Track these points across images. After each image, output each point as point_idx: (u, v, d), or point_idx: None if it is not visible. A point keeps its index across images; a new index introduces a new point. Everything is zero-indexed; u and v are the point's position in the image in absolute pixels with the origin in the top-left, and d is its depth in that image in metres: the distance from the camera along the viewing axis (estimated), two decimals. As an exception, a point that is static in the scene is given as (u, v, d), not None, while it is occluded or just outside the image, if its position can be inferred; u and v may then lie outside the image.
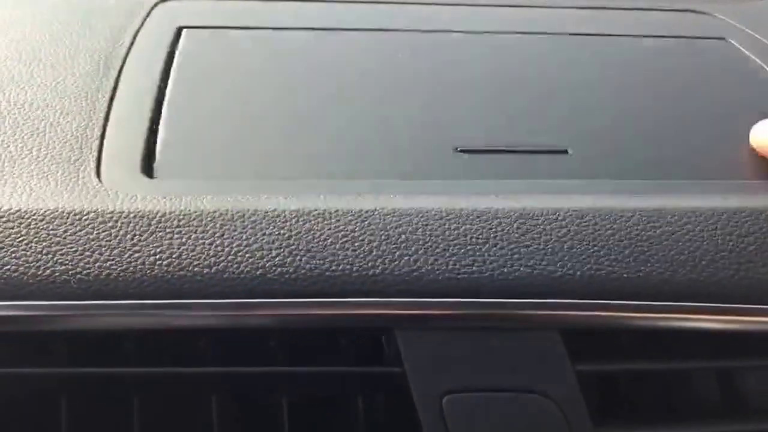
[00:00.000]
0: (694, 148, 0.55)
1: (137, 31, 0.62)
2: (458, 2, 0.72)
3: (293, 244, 0.44)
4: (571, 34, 0.68)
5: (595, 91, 0.60)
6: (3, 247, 0.43)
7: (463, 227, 0.46)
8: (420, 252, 0.44)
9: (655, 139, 0.55)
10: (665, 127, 0.57)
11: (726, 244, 0.47)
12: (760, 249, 0.47)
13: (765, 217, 0.48)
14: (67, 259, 0.43)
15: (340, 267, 0.44)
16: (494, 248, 0.45)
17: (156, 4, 0.68)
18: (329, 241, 0.44)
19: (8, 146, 0.49)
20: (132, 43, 0.60)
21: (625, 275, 0.45)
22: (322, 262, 0.44)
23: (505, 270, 0.45)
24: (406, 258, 0.44)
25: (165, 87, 0.56)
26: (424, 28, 0.66)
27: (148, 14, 0.66)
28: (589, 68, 0.63)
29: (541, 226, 0.46)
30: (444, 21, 0.68)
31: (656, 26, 0.71)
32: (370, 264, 0.44)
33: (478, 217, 0.46)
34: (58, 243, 0.43)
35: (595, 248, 0.46)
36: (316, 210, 0.46)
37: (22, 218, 0.44)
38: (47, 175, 0.47)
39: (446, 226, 0.46)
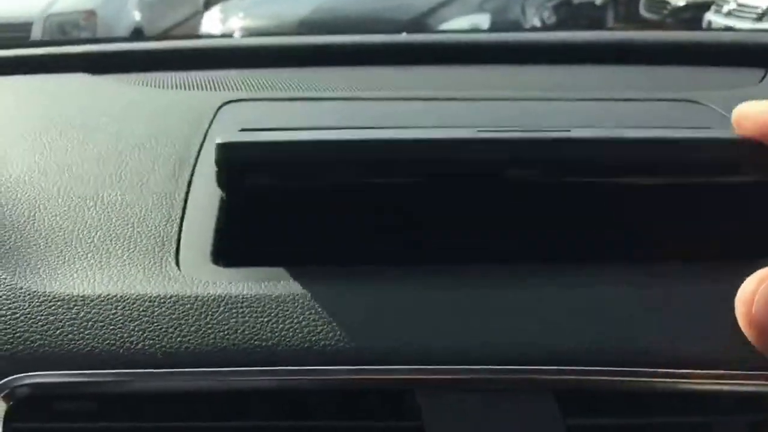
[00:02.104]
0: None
1: (206, 134, 0.72)
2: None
3: (334, 322, 0.53)
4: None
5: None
6: (104, 325, 0.52)
7: (470, 306, 0.54)
8: (434, 329, 0.53)
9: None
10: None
11: (692, 317, 0.54)
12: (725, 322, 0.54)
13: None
14: (153, 335, 0.52)
15: (372, 342, 0.52)
16: (499, 321, 0.54)
17: (221, 106, 0.77)
18: (363, 318, 0.53)
19: (104, 240, 0.59)
20: (201, 146, 0.70)
21: (610, 345, 0.53)
22: (358, 337, 0.52)
23: (507, 341, 0.53)
24: (423, 333, 0.53)
25: None
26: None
27: (214, 116, 0.76)
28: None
29: (539, 303, 0.55)
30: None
31: (647, 117, 0.79)
32: (397, 338, 0.53)
33: (483, 295, 0.55)
34: (147, 322, 0.52)
35: (585, 321, 0.54)
36: (349, 293, 0.55)
37: (119, 302, 0.53)
38: (136, 264, 0.57)
39: (454, 306, 0.54)
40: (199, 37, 1.09)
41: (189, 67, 0.96)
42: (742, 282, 0.43)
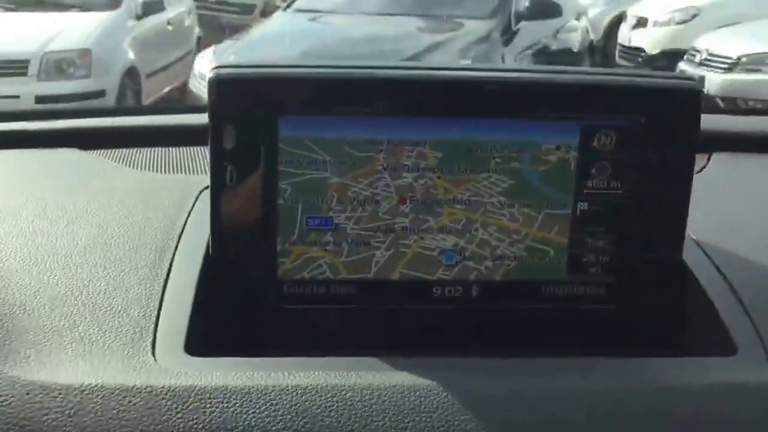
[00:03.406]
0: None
1: (185, 222, 0.77)
2: None
3: (288, 413, 0.58)
4: None
5: None
6: (85, 413, 0.57)
7: (419, 402, 0.59)
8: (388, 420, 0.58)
9: None
10: None
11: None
12: None
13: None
14: (130, 423, 0.57)
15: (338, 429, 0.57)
16: (441, 413, 0.59)
17: (202, 191, 0.83)
18: (325, 406, 0.58)
19: (88, 331, 0.64)
20: (180, 234, 0.75)
21: None
22: (318, 425, 0.57)
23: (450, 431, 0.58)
24: (375, 425, 0.58)
25: (205, 271, 0.71)
26: None
27: (195, 201, 0.81)
28: None
29: (481, 399, 0.60)
30: None
31: None
32: (352, 429, 0.58)
33: (429, 391, 0.60)
34: (124, 411, 0.57)
35: (512, 414, 0.59)
36: (317, 386, 0.59)
37: (99, 391, 0.58)
38: (116, 355, 0.62)
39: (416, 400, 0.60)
40: (189, 109, 1.14)
41: (176, 144, 1.01)
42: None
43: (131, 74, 5.70)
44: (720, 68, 6.30)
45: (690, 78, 0.76)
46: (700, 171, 0.99)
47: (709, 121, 1.22)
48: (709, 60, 6.42)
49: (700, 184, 0.94)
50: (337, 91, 0.69)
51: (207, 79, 0.68)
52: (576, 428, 0.59)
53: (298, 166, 0.69)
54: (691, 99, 0.72)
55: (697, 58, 6.55)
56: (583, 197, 0.72)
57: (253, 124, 0.68)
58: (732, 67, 6.26)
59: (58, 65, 5.42)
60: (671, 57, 7.14)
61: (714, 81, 6.25)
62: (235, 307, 0.70)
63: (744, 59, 6.24)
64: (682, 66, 6.70)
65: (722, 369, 0.65)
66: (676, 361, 0.67)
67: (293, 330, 0.71)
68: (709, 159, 1.02)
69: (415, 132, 0.70)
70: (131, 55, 5.78)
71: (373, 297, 0.72)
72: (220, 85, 0.67)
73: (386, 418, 0.58)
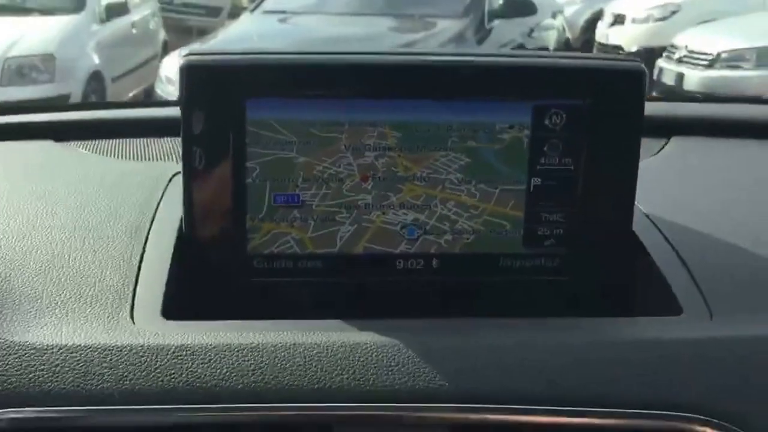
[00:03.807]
0: None
1: (158, 203, 0.84)
2: None
3: (266, 366, 0.65)
4: None
5: None
6: (69, 370, 0.64)
7: (384, 358, 0.67)
8: (351, 375, 0.65)
9: None
10: None
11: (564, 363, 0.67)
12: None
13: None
14: (111, 379, 0.63)
15: (296, 382, 0.64)
16: (403, 368, 0.66)
17: (174, 176, 0.89)
18: (290, 362, 0.65)
19: (70, 297, 0.70)
20: (154, 214, 0.82)
21: (487, 388, 0.65)
22: (285, 378, 0.64)
23: (409, 384, 0.65)
24: (339, 379, 0.65)
25: (179, 248, 0.77)
26: None
27: (167, 185, 0.88)
28: None
29: (437, 353, 0.67)
30: None
31: None
32: (316, 384, 0.65)
33: (389, 349, 0.67)
34: (105, 367, 0.64)
35: (472, 366, 0.66)
36: (286, 344, 0.66)
37: (82, 350, 0.65)
38: (97, 318, 0.69)
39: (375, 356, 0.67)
40: (159, 104, 1.22)
41: (147, 135, 1.07)
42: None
43: (96, 78, 5.75)
44: (699, 65, 6.44)
45: (635, 60, 0.83)
46: (657, 152, 1.07)
47: (668, 107, 1.31)
48: (689, 57, 6.55)
49: (656, 164, 1.02)
50: (300, 75, 0.76)
51: (179, 67, 0.75)
52: (529, 378, 0.66)
53: (266, 147, 0.76)
54: (636, 79, 0.79)
55: (676, 55, 6.68)
56: (537, 173, 0.79)
57: (223, 108, 0.74)
58: (711, 63, 6.39)
59: (20, 70, 5.46)
60: (650, 54, 7.27)
61: (693, 78, 6.38)
62: (207, 280, 0.77)
63: (723, 55, 6.38)
64: (661, 63, 6.83)
65: (669, 326, 0.73)
66: (625, 319, 0.75)
67: (263, 302, 0.77)
68: (667, 142, 1.10)
69: (375, 114, 0.77)
70: (96, 59, 5.82)
71: (339, 270, 0.79)
72: (191, 71, 0.74)
73: (350, 374, 0.65)
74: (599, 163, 0.79)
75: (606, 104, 0.78)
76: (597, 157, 0.79)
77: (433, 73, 0.78)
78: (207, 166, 0.75)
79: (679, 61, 6.61)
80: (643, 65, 0.80)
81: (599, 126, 0.78)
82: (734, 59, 6.38)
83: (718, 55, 6.36)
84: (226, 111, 0.75)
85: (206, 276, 0.77)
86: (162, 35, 7.42)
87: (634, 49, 7.99)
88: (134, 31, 6.69)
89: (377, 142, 0.77)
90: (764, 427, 0.65)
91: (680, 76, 6.49)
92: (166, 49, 7.08)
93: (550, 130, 0.78)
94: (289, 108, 0.76)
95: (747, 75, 6.27)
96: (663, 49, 7.06)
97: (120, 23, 6.40)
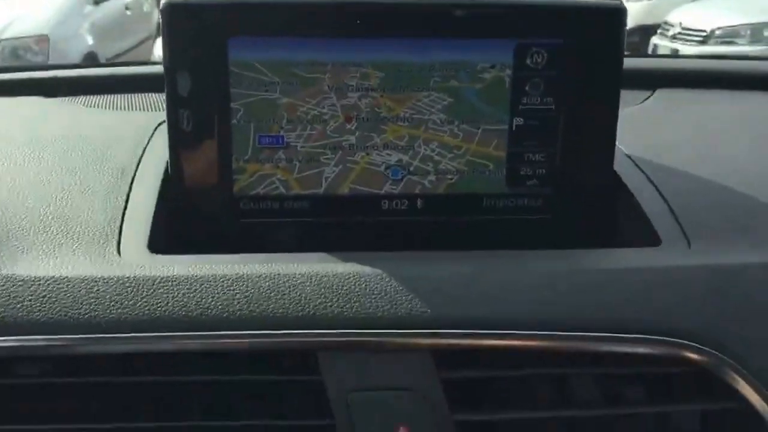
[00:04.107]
0: None
1: (144, 148, 0.84)
2: None
3: (251, 295, 0.66)
4: None
5: None
6: (56, 300, 0.64)
7: (368, 287, 0.68)
8: (335, 303, 0.66)
9: None
10: None
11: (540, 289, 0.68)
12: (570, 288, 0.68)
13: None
14: (100, 307, 0.64)
15: (280, 310, 0.65)
16: (386, 296, 0.67)
17: (160, 124, 0.90)
18: (273, 291, 0.66)
19: (57, 234, 0.71)
20: (140, 158, 0.82)
21: (470, 314, 0.66)
22: (269, 307, 0.65)
23: (392, 311, 0.66)
24: (323, 307, 0.66)
25: (165, 189, 0.78)
26: None
27: (152, 133, 0.88)
28: None
29: (420, 281, 0.68)
30: None
31: None
32: (300, 311, 0.66)
33: (372, 278, 0.68)
34: (92, 297, 0.65)
35: (454, 293, 0.67)
36: (271, 274, 0.67)
37: (68, 282, 0.66)
38: (83, 252, 0.69)
39: (358, 285, 0.68)
40: (143, 63, 1.23)
41: (136, 91, 1.08)
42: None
43: (90, 59, 5.73)
44: (694, 41, 6.42)
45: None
46: (642, 102, 1.08)
47: (654, 62, 1.32)
48: (683, 33, 6.54)
49: (640, 112, 1.03)
50: (283, 14, 0.77)
51: (160, 7, 0.75)
52: (511, 304, 0.67)
53: (249, 88, 0.77)
54: (616, 18, 0.80)
55: (671, 32, 6.67)
56: (519, 113, 0.80)
57: (205, 48, 0.75)
58: (706, 39, 6.38)
59: (15, 52, 5.44)
60: (644, 31, 7.25)
61: (688, 54, 6.36)
62: (194, 221, 0.78)
63: (717, 32, 6.36)
64: (655, 40, 6.82)
65: (648, 256, 0.74)
66: (605, 250, 0.76)
67: (250, 243, 0.78)
68: (652, 94, 1.11)
69: (357, 54, 0.78)
70: (90, 40, 5.81)
71: (325, 211, 0.80)
72: (172, 10, 0.75)
73: (334, 302, 0.66)
74: (581, 102, 0.80)
75: (587, 43, 0.78)
76: (578, 96, 0.80)
77: (415, 12, 0.78)
78: (191, 105, 0.76)
79: (674, 38, 6.60)
80: (623, 4, 0.81)
81: (580, 65, 0.79)
82: (728, 36, 6.36)
83: (712, 31, 6.34)
84: (209, 51, 0.75)
85: (193, 217, 0.78)
86: (156, 17, 7.39)
87: (629, 26, 7.96)
88: (128, 12, 6.67)
89: (360, 82, 0.78)
90: (739, 349, 0.66)
91: (675, 53, 6.48)
92: (160, 30, 7.05)
93: (532, 70, 0.79)
94: (271, 48, 0.77)
95: (741, 51, 6.26)
96: (657, 26, 7.04)
97: (114, 4, 6.38)
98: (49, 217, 0.73)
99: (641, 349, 0.66)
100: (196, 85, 0.76)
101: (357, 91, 0.78)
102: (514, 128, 0.80)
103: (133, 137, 0.87)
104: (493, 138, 0.80)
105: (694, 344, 0.66)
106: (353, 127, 0.79)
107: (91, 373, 0.64)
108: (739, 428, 0.67)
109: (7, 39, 5.44)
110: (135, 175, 0.79)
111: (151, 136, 0.87)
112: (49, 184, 0.78)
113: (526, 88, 0.79)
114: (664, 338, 0.66)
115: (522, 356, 0.67)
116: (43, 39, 5.53)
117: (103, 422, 0.64)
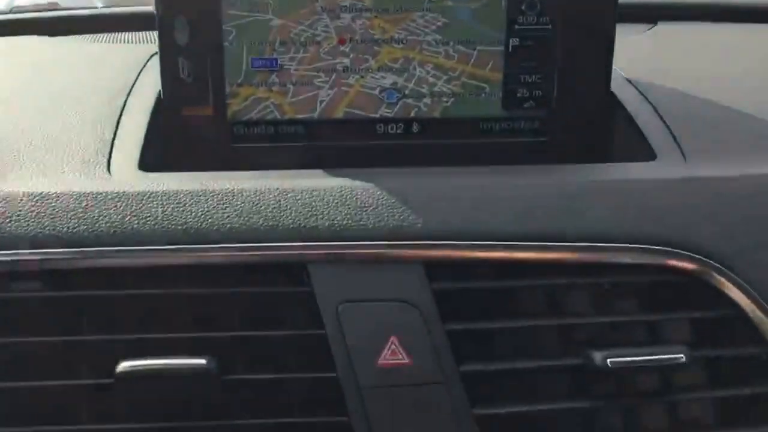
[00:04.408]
0: None
1: (138, 73, 0.84)
2: None
3: (241, 209, 0.65)
4: None
5: None
6: (45, 216, 0.64)
7: (359, 200, 0.67)
8: (325, 216, 0.66)
9: None
10: None
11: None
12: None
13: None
14: (86, 223, 0.64)
15: (277, 225, 0.65)
16: (377, 209, 0.66)
17: (152, 56, 0.89)
18: (263, 205, 0.66)
19: (46, 154, 0.71)
20: (134, 82, 0.82)
21: (462, 226, 0.66)
22: (259, 220, 0.65)
23: (384, 222, 0.66)
24: (312, 220, 0.65)
25: (156, 112, 0.78)
26: None
27: (147, 61, 0.88)
28: None
29: (411, 194, 0.67)
30: None
31: None
32: (291, 224, 0.65)
33: (363, 191, 0.67)
34: (80, 212, 0.65)
35: (445, 205, 0.67)
36: (264, 189, 0.67)
37: (57, 197, 0.65)
38: (73, 171, 0.69)
39: (349, 198, 0.67)
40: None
41: (133, 29, 1.07)
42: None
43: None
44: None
45: None
46: (642, 33, 1.07)
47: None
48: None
49: (641, 42, 1.02)
50: None
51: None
52: (503, 215, 0.66)
53: (241, 9, 0.76)
54: None
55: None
56: (515, 33, 0.79)
57: None
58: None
59: (26, 19, 5.44)
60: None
61: None
62: (186, 146, 0.77)
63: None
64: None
65: (643, 169, 0.73)
66: (599, 165, 0.75)
67: (243, 168, 0.78)
68: (653, 26, 1.10)
69: None
70: (99, 3, 5.79)
71: (319, 135, 0.80)
72: None
73: (324, 216, 0.65)
74: (577, 22, 0.78)
75: None
76: (575, 16, 0.78)
77: None
78: (183, 29, 0.75)
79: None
80: None
81: None
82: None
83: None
84: None
85: (186, 142, 0.77)
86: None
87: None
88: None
89: (353, 2, 0.77)
90: (731, 258, 0.66)
91: None
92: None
93: None
94: None
95: None
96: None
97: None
98: (39, 139, 0.73)
99: (632, 259, 0.66)
100: (188, 6, 0.75)
101: (350, 12, 0.77)
102: (510, 49, 0.79)
103: (126, 65, 0.86)
104: (489, 59, 0.79)
105: (685, 252, 0.65)
106: (347, 49, 0.78)
107: (81, 287, 0.64)
108: (732, 338, 0.66)
109: (19, 6, 5.43)
110: (127, 100, 0.79)
111: (145, 64, 0.87)
112: (41, 109, 0.77)
113: (523, 7, 0.78)
114: (655, 247, 0.65)
115: (513, 268, 0.66)
116: (53, 5, 5.51)
117: (91, 334, 0.64)
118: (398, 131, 0.80)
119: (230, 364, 0.64)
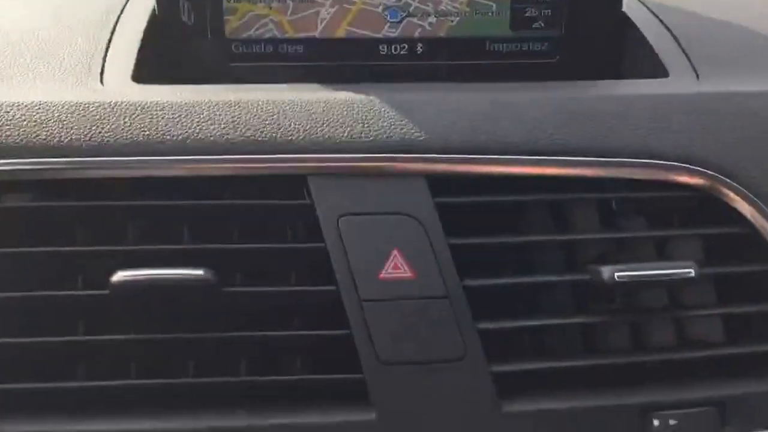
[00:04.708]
0: None
1: None
2: None
3: (238, 121, 0.63)
4: None
5: None
6: (36, 125, 0.62)
7: (360, 113, 0.65)
8: (326, 129, 0.64)
9: None
10: None
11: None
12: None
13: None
14: (79, 132, 0.62)
15: (276, 136, 0.63)
16: (380, 121, 0.64)
17: None
18: (263, 117, 0.64)
19: (38, 65, 0.69)
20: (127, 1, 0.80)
21: (465, 139, 0.64)
22: (257, 132, 0.63)
23: (386, 135, 0.64)
24: (312, 131, 0.64)
25: (151, 27, 0.75)
26: None
27: None
28: None
29: (415, 107, 0.65)
30: None
31: None
32: (290, 136, 0.63)
33: (364, 105, 0.66)
34: (73, 122, 0.63)
35: (450, 118, 0.65)
36: (258, 101, 0.65)
37: (49, 107, 0.63)
38: (65, 82, 0.67)
39: (350, 111, 0.65)
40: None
41: None
42: None
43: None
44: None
45: None
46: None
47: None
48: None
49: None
50: None
51: None
52: (510, 129, 0.64)
53: None
54: None
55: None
56: None
57: None
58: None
59: None
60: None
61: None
62: (183, 63, 0.75)
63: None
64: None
65: (655, 85, 0.71)
66: (610, 81, 0.73)
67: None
68: None
69: None
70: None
71: (320, 55, 0.77)
72: None
73: (325, 127, 0.63)
74: None
75: None
76: None
77: None
78: None
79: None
80: None
81: None
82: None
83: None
84: None
85: (182, 59, 0.75)
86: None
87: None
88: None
89: None
90: (745, 173, 0.64)
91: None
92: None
93: None
94: None
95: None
96: None
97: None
98: (32, 52, 0.70)
99: (641, 174, 0.64)
100: None
101: None
102: None
103: None
104: None
105: (696, 167, 0.63)
106: None
107: (75, 197, 0.62)
108: (741, 255, 0.65)
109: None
110: (121, 14, 0.76)
111: None
112: (33, 22, 0.75)
113: None
114: (665, 162, 0.63)
115: (519, 182, 0.64)
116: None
117: (86, 246, 0.63)
118: (402, 52, 0.78)
119: (229, 276, 0.62)
